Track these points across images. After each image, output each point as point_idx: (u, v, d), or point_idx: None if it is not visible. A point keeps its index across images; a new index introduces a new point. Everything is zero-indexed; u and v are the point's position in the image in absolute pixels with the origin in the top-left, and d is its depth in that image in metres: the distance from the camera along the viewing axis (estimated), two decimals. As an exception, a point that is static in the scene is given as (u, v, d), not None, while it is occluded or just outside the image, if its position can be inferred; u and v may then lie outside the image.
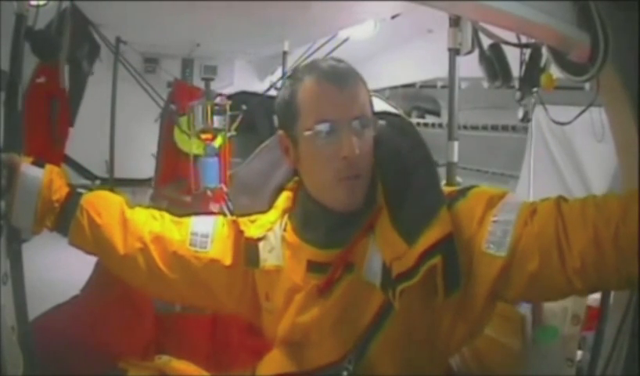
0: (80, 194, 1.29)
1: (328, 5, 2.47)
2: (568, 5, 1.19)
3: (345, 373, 1.08)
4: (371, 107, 1.12)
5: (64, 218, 1.26)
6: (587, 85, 2.62)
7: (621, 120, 1.26)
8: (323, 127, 1.06)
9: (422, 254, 1.00)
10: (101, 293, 1.73)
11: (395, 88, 5.17)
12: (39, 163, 1.27)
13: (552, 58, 1.33)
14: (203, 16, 2.70)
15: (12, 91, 1.34)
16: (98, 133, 3.45)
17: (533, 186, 4.04)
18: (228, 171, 3.00)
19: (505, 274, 1.00)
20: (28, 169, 1.24)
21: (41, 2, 1.67)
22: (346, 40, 3.17)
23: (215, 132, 3.07)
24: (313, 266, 1.12)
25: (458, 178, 2.10)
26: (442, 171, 2.02)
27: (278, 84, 3.58)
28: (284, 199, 1.22)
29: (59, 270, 2.32)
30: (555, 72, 1.44)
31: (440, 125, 5.59)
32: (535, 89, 1.75)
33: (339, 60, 1.13)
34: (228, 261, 1.24)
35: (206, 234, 1.27)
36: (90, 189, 1.35)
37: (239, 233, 1.23)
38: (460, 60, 2.06)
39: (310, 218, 1.15)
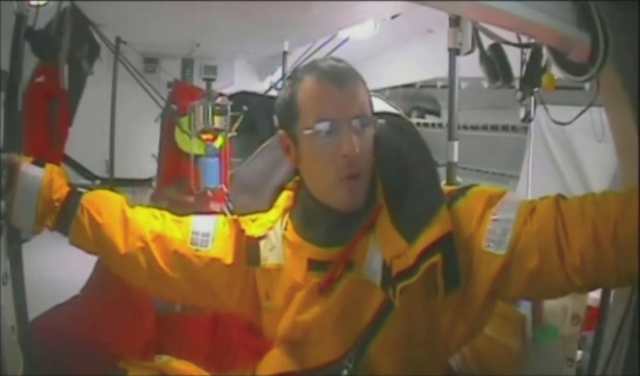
0: (81, 193, 1.29)
1: (328, 5, 2.47)
2: (568, 5, 1.19)
3: (345, 371, 1.09)
4: (371, 107, 1.13)
5: (65, 217, 1.26)
6: (587, 85, 2.62)
7: (621, 120, 1.26)
8: (323, 126, 1.06)
9: (422, 253, 1.01)
10: (101, 293, 1.73)
11: (395, 88, 5.17)
12: (39, 162, 1.27)
13: (552, 58, 1.33)
14: (202, 16, 2.70)
15: (12, 91, 1.34)
16: (98, 133, 3.45)
17: (533, 186, 4.03)
18: (229, 171, 3.01)
19: (504, 272, 1.00)
20: (28, 169, 1.24)
21: (41, 2, 1.67)
22: (346, 40, 3.17)
23: (216, 133, 3.07)
24: (314, 265, 1.12)
25: (458, 178, 2.10)
26: (442, 171, 2.02)
27: (279, 85, 3.59)
28: (285, 198, 1.22)
29: (59, 270, 2.32)
30: (555, 72, 1.44)
31: (440, 125, 5.59)
32: (536, 89, 1.75)
33: (339, 60, 1.13)
34: (229, 260, 1.24)
35: (207, 233, 1.27)
36: (90, 189, 1.35)
37: (239, 231, 1.23)
38: (460, 60, 2.06)
39: (310, 217, 1.15)
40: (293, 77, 1.13)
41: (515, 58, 1.77)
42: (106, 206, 1.28)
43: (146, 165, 3.66)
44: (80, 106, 2.98)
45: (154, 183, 3.60)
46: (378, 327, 1.08)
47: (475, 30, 1.94)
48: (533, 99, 1.79)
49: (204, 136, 3.06)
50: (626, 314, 1.16)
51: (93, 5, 2.55)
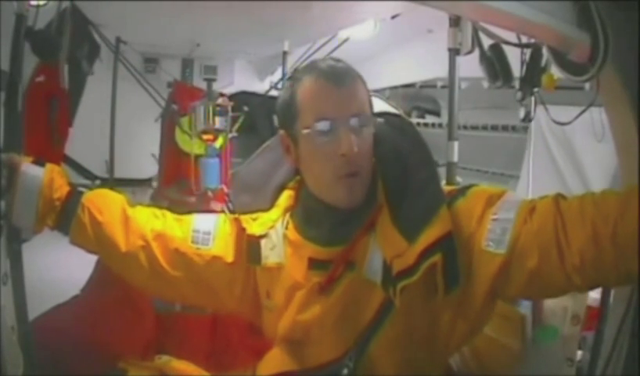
0: (81, 193, 1.29)
1: (328, 5, 2.47)
2: (568, 5, 1.20)
3: (345, 371, 1.09)
4: (370, 106, 1.13)
5: (65, 216, 1.26)
6: (587, 85, 2.62)
7: (621, 120, 1.26)
8: (322, 125, 1.07)
9: (422, 252, 1.01)
10: (101, 293, 1.73)
11: (395, 88, 5.17)
12: (39, 162, 1.27)
13: (552, 58, 1.33)
14: (202, 16, 2.70)
15: (12, 91, 1.34)
16: (98, 133, 3.45)
17: (533, 186, 4.03)
18: (229, 171, 3.00)
19: (504, 272, 1.00)
20: (29, 168, 1.24)
21: (41, 2, 1.67)
22: (346, 40, 3.17)
23: (217, 133, 3.07)
24: (314, 264, 1.13)
25: (458, 178, 2.10)
26: (442, 171, 2.02)
27: (279, 85, 3.59)
28: (286, 197, 1.23)
29: (59, 270, 2.32)
30: (555, 72, 1.44)
31: (440, 125, 5.58)
32: (536, 89, 1.75)
33: (338, 60, 1.14)
34: (230, 258, 1.24)
35: (208, 231, 1.27)
36: (90, 188, 1.35)
37: (241, 230, 1.23)
38: (460, 60, 2.06)
39: (311, 217, 1.16)
40: (293, 78, 1.14)
41: (515, 58, 1.76)
42: (107, 205, 1.28)
43: (146, 165, 3.65)
44: (81, 106, 2.98)
45: (154, 183, 3.60)
46: (378, 326, 1.09)
47: (475, 30, 1.94)
48: (533, 99, 1.79)
49: (205, 137, 3.05)
50: (626, 314, 1.17)
51: (93, 5, 2.55)
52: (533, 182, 4.08)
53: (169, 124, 3.26)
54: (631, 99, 1.20)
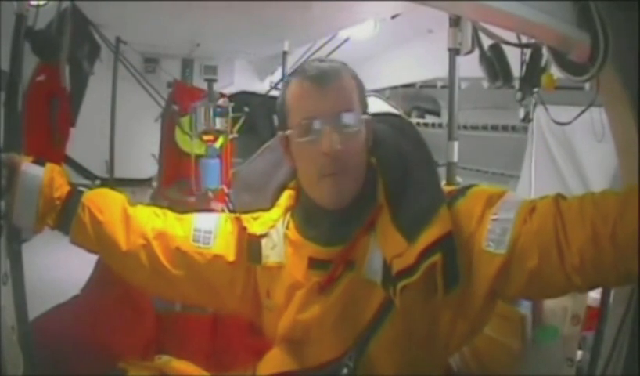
0: (82, 192, 1.29)
1: (328, 5, 2.47)
2: (568, 5, 1.20)
3: (345, 370, 1.09)
4: (362, 104, 1.13)
5: (65, 216, 1.26)
6: (587, 85, 2.62)
7: (621, 120, 1.26)
8: (305, 124, 1.09)
9: (422, 252, 1.01)
10: (101, 293, 1.73)
11: (395, 88, 5.16)
12: (39, 162, 1.27)
13: (552, 58, 1.33)
14: (203, 16, 2.70)
15: (12, 91, 1.34)
16: (98, 133, 3.45)
17: (533, 186, 4.03)
18: (230, 171, 3.00)
19: (504, 272, 1.00)
20: (29, 168, 1.24)
21: (41, 2, 1.68)
22: (346, 40, 3.17)
23: (217, 134, 3.07)
24: (314, 263, 1.13)
25: (458, 178, 2.10)
26: (442, 171, 2.02)
27: (279, 85, 3.58)
28: (286, 197, 1.23)
29: (59, 270, 2.32)
30: (555, 72, 1.44)
31: (440, 125, 5.58)
32: (536, 89, 1.75)
33: (323, 60, 1.15)
34: (231, 257, 1.25)
35: (209, 230, 1.27)
36: (90, 188, 1.35)
37: (242, 229, 1.23)
38: (460, 60, 2.06)
39: (311, 216, 1.16)
40: (285, 80, 1.16)
41: (515, 58, 1.77)
42: (107, 204, 1.28)
43: (146, 165, 3.65)
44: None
45: (154, 183, 3.60)
46: (378, 326, 1.09)
47: (475, 30, 1.94)
48: (533, 99, 1.79)
49: (205, 137, 3.06)
50: (626, 314, 1.17)
51: (93, 5, 2.55)
52: (533, 182, 4.08)
53: (169, 124, 3.26)
54: (631, 99, 1.21)
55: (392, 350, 1.09)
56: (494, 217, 1.02)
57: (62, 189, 1.26)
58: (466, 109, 4.05)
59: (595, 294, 1.28)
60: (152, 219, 1.29)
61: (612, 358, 1.19)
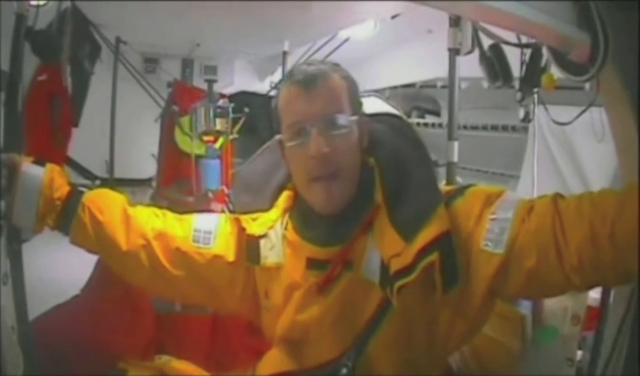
0: (82, 192, 1.29)
1: (328, 5, 2.47)
2: (568, 5, 1.20)
3: (344, 370, 1.09)
4: (354, 105, 1.13)
5: (66, 216, 1.26)
6: (587, 85, 2.62)
7: (621, 120, 1.26)
8: (293, 129, 1.10)
9: (419, 251, 1.01)
10: (101, 293, 1.73)
11: (395, 88, 5.16)
12: (40, 162, 1.27)
13: (552, 58, 1.33)
14: (202, 16, 2.70)
15: (12, 91, 1.34)
16: (98, 133, 3.45)
17: (536, 186, 4.02)
18: (230, 171, 3.01)
19: (502, 271, 1.00)
20: (29, 168, 1.24)
21: (41, 2, 1.68)
22: (346, 40, 3.17)
23: (217, 135, 3.07)
24: (312, 264, 1.13)
25: (458, 178, 2.10)
26: (442, 171, 2.02)
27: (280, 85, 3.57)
28: (285, 198, 1.23)
29: (59, 270, 2.32)
30: (555, 72, 1.44)
31: (440, 125, 5.58)
32: (536, 89, 1.75)
33: (312, 63, 1.15)
34: (230, 257, 1.25)
35: (209, 231, 1.27)
36: (90, 188, 1.35)
37: (241, 230, 1.23)
38: (460, 60, 2.06)
39: (309, 217, 1.16)
40: (278, 85, 1.16)
41: (515, 58, 1.77)
42: (108, 204, 1.28)
43: (146, 165, 3.65)
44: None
45: (154, 183, 3.60)
46: (376, 326, 1.09)
47: (475, 30, 1.94)
48: (533, 99, 1.79)
49: (206, 138, 3.06)
50: (626, 314, 1.17)
51: (93, 6, 2.55)
52: (536, 183, 4.08)
53: (169, 124, 3.26)
54: (631, 99, 1.21)
55: (391, 350, 1.09)
56: (493, 216, 1.02)
57: (62, 190, 1.26)
58: (466, 109, 4.06)
59: (595, 294, 1.28)
60: (152, 219, 1.29)
61: (612, 358, 1.19)
